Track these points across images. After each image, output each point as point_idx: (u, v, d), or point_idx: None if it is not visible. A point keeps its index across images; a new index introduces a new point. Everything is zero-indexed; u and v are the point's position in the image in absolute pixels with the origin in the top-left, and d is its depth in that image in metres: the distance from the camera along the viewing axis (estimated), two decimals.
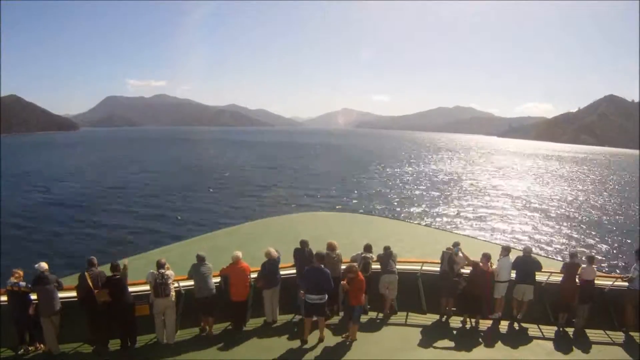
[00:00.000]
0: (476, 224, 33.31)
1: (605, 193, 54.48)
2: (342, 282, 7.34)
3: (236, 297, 7.52)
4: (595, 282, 8.19)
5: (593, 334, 7.94)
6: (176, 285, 7.43)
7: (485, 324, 8.14)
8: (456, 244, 8.34)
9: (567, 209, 41.01)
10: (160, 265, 6.99)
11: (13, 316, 6.61)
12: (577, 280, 8.11)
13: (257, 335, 7.47)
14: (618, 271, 20.23)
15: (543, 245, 27.65)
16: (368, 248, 8.33)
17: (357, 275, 7.08)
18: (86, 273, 6.78)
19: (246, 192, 45.46)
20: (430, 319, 8.28)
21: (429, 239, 13.30)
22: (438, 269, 8.44)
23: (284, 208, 35.76)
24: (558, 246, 27.86)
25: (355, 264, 7.72)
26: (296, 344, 7.11)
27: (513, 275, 8.32)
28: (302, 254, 8.07)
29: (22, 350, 6.76)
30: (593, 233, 31.80)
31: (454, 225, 32.25)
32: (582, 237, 30.72)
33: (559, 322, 8.21)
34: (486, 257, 8.04)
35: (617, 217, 38.63)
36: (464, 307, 8.21)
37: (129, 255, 9.81)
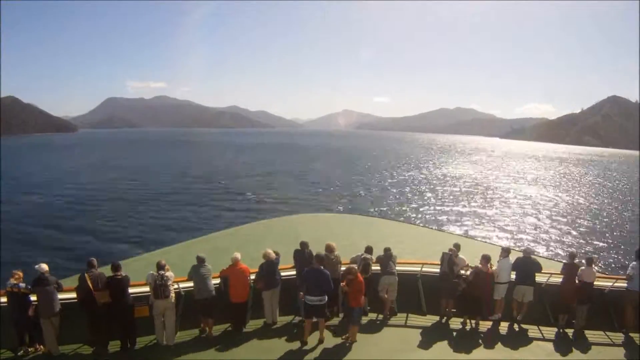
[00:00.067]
0: (476, 225, 33.28)
1: (607, 194, 54.44)
2: (341, 283, 7.34)
3: (236, 298, 7.52)
4: (595, 283, 8.20)
5: (593, 335, 7.94)
6: (176, 286, 7.43)
7: (485, 325, 8.14)
8: (456, 245, 8.35)
9: (568, 210, 40.98)
10: (160, 267, 7.00)
11: (13, 317, 6.61)
12: (577, 281, 8.12)
13: (257, 336, 7.47)
14: (620, 272, 20.21)
15: (543, 247, 27.64)
16: (369, 250, 8.34)
17: (357, 277, 7.08)
18: (86, 274, 6.78)
19: (246, 193, 45.45)
20: (430, 320, 8.28)
21: (429, 241, 13.31)
22: (438, 270, 8.43)
23: (284, 209, 35.74)
24: (558, 247, 27.84)
25: (354, 265, 7.73)
26: (296, 345, 7.11)
27: (513, 276, 8.32)
28: (302, 255, 8.07)
29: (21, 352, 6.75)
30: (593, 234, 31.77)
31: (454, 227, 32.23)
32: (583, 238, 30.69)
33: (558, 323, 8.21)
34: (485, 259, 8.05)
35: (618, 218, 38.60)
36: (464, 308, 8.22)
37: (128, 256, 9.82)
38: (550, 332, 8.01)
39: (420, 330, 7.82)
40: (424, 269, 9.00)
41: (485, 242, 19.79)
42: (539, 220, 35.98)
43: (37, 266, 6.69)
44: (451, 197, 47.06)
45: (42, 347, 6.82)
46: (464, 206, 41.45)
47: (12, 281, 6.56)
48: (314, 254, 7.50)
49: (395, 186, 54.99)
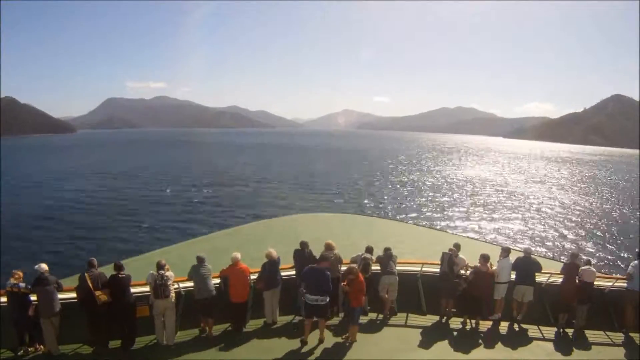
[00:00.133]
0: (477, 225, 33.31)
1: (608, 194, 54.43)
2: (342, 283, 7.33)
3: (236, 298, 7.52)
4: (595, 283, 8.19)
5: (593, 334, 7.94)
6: (176, 286, 7.43)
7: (485, 325, 8.14)
8: (456, 245, 8.34)
9: (569, 210, 40.99)
10: (160, 267, 7.00)
11: (13, 317, 6.61)
12: (577, 281, 8.12)
13: (257, 336, 7.46)
14: (620, 271, 20.21)
15: (543, 246, 27.65)
16: (369, 249, 8.34)
17: (358, 277, 7.08)
18: (86, 274, 6.77)
19: (246, 194, 45.51)
20: (430, 320, 8.28)
21: (429, 241, 13.31)
22: (438, 270, 8.42)
23: (284, 209, 35.77)
24: (558, 247, 27.85)
25: (355, 265, 7.73)
26: (296, 345, 7.10)
27: (513, 276, 8.32)
28: (302, 255, 8.08)
29: (21, 352, 6.75)
30: (594, 234, 31.80)
31: (454, 227, 32.24)
32: (583, 237, 30.72)
33: (558, 323, 8.20)
34: (485, 258, 8.05)
35: (620, 217, 38.58)
36: (464, 308, 8.21)
37: (129, 256, 9.82)
38: (550, 332, 8.01)
39: (420, 330, 7.81)
40: (424, 269, 9.00)
41: (485, 242, 19.79)
42: (539, 220, 36.00)
43: (37, 266, 6.69)
44: (451, 197, 47.08)
45: (42, 346, 6.82)
46: (465, 206, 41.47)
47: (12, 281, 6.56)
48: (317, 254, 7.47)
49: (396, 186, 55.00)
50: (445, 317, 8.30)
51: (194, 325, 7.59)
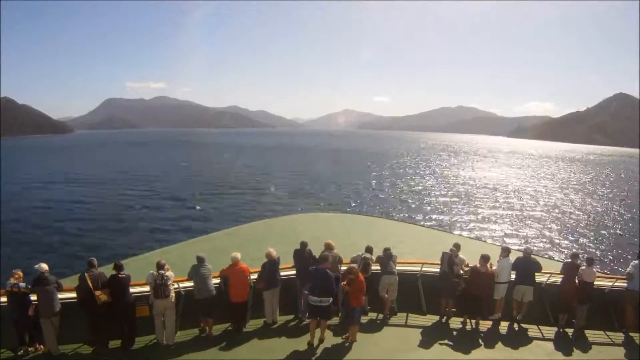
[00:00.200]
0: (476, 225, 33.31)
1: (609, 193, 54.40)
2: (342, 283, 7.33)
3: (236, 298, 7.52)
4: (595, 283, 8.20)
5: (593, 334, 7.94)
6: (176, 286, 7.43)
7: (485, 325, 8.14)
8: (456, 245, 8.34)
9: (570, 210, 40.97)
10: (160, 267, 7.00)
11: (13, 317, 6.61)
12: (577, 281, 8.12)
13: (257, 336, 7.47)
14: (619, 273, 20.21)
15: (543, 246, 27.64)
16: (369, 249, 8.35)
17: (358, 276, 7.08)
18: (86, 274, 6.77)
19: (246, 193, 45.51)
20: (430, 319, 8.28)
21: (429, 240, 13.30)
22: (438, 270, 8.43)
23: (284, 209, 35.76)
24: (558, 247, 27.85)
25: (355, 265, 7.73)
26: (296, 344, 7.10)
27: (513, 276, 8.32)
28: (302, 254, 8.09)
29: (21, 351, 6.75)
30: (594, 234, 31.78)
31: (454, 227, 32.25)
32: (583, 237, 30.70)
33: (558, 322, 8.21)
34: (484, 259, 8.05)
35: (620, 217, 38.56)
36: (464, 308, 8.21)
37: (129, 256, 9.82)
38: (550, 332, 8.01)
39: (420, 330, 7.82)
40: (424, 269, 9.00)
41: (485, 242, 19.78)
42: (539, 219, 35.99)
43: (37, 266, 6.69)
44: (452, 197, 47.06)
45: (42, 346, 6.82)
46: (465, 206, 41.45)
47: (12, 281, 6.56)
48: (317, 254, 7.45)
49: (396, 186, 54.99)
50: (445, 317, 8.30)
51: (194, 325, 7.59)
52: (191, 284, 7.39)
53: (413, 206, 41.35)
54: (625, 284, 8.36)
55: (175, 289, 7.31)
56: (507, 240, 28.28)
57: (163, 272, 6.95)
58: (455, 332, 7.88)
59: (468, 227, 32.54)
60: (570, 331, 8.05)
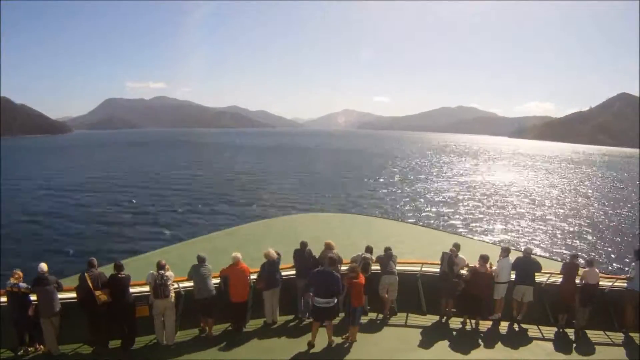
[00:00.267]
0: (476, 225, 33.32)
1: (610, 194, 54.38)
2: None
3: (236, 298, 7.52)
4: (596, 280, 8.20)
5: (593, 334, 7.94)
6: (176, 286, 7.43)
7: (485, 325, 8.14)
8: (456, 245, 8.34)
9: (570, 210, 40.98)
10: (160, 267, 7.00)
11: (13, 317, 6.61)
12: (577, 281, 8.12)
13: (257, 336, 7.47)
14: (619, 273, 20.21)
15: (543, 246, 27.65)
16: (369, 249, 8.36)
17: (359, 276, 7.08)
18: (86, 274, 6.77)
19: (246, 193, 45.51)
20: (430, 320, 8.28)
21: (429, 241, 13.31)
22: (438, 270, 8.43)
23: (284, 209, 35.77)
24: (558, 247, 27.85)
25: (356, 264, 7.73)
26: (296, 344, 7.11)
27: (513, 276, 8.32)
28: (302, 254, 8.09)
29: (21, 351, 6.75)
30: (594, 234, 31.79)
31: (454, 227, 32.24)
32: (583, 237, 30.71)
33: (558, 323, 8.21)
34: (483, 259, 8.05)
35: (621, 217, 38.57)
36: (464, 308, 8.22)
37: (129, 256, 9.82)
38: (550, 332, 8.01)
39: (420, 330, 7.82)
40: (424, 269, 9.00)
41: (485, 242, 19.79)
42: (539, 220, 35.99)
43: (38, 266, 6.69)
44: (453, 197, 47.06)
45: (42, 346, 6.82)
46: (465, 206, 41.45)
47: (12, 281, 6.56)
48: (317, 254, 7.43)
49: (396, 186, 54.98)
50: (445, 317, 8.30)
51: (194, 325, 7.59)
52: (191, 284, 7.39)
53: (413, 206, 41.35)
54: (625, 284, 8.36)
55: (175, 289, 7.31)
56: (507, 240, 28.28)
57: (163, 272, 6.96)
58: (455, 332, 7.87)
59: (468, 227, 32.54)
60: (570, 331, 8.05)
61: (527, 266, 8.24)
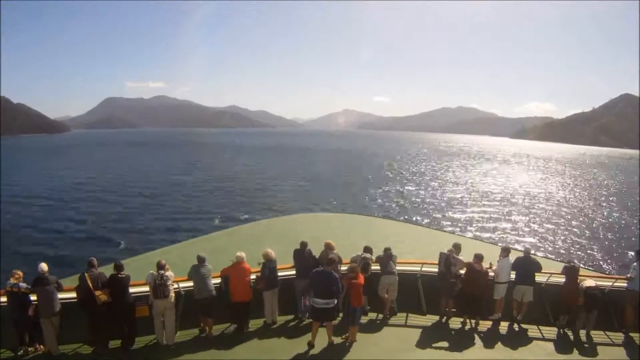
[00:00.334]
0: (477, 225, 33.32)
1: (610, 194, 54.37)
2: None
3: (237, 297, 7.50)
4: (596, 283, 8.19)
5: (593, 334, 7.94)
6: (176, 286, 7.43)
7: (485, 325, 8.14)
8: (456, 245, 8.34)
9: (570, 210, 40.98)
10: (160, 267, 7.00)
11: (13, 317, 6.61)
12: (580, 285, 8.10)
13: (257, 336, 7.47)
14: (619, 273, 20.22)
15: (543, 246, 27.65)
16: (368, 249, 8.35)
17: (359, 277, 7.08)
18: (86, 274, 6.78)
19: (246, 193, 45.49)
20: (430, 319, 8.28)
21: (429, 241, 13.30)
22: (437, 270, 8.44)
23: (284, 209, 35.76)
24: (558, 247, 27.86)
25: (356, 264, 7.73)
26: (296, 344, 7.10)
27: (513, 276, 8.32)
28: (302, 254, 8.08)
29: (21, 351, 6.75)
30: (594, 234, 31.80)
31: (454, 227, 32.25)
32: (583, 238, 30.71)
33: (559, 323, 8.21)
34: (478, 257, 8.05)
35: (621, 217, 38.58)
36: (464, 308, 8.21)
37: (129, 256, 9.81)
38: (550, 331, 8.01)
39: (420, 330, 7.82)
40: (423, 269, 8.99)
41: (485, 242, 19.78)
42: (539, 220, 36.00)
43: (38, 266, 6.69)
44: (453, 197, 47.07)
45: (42, 346, 6.82)
46: (465, 207, 41.47)
47: (12, 281, 6.56)
48: (317, 254, 7.42)
49: (396, 186, 54.97)
50: (445, 317, 8.30)
51: (194, 325, 7.59)
52: (191, 284, 7.39)
53: (413, 206, 41.36)
54: (626, 284, 8.36)
55: (175, 289, 7.31)
56: (507, 240, 28.28)
57: (163, 272, 6.95)
58: (455, 332, 7.88)
59: (468, 227, 32.55)
60: (570, 332, 8.04)
61: (527, 266, 8.23)
